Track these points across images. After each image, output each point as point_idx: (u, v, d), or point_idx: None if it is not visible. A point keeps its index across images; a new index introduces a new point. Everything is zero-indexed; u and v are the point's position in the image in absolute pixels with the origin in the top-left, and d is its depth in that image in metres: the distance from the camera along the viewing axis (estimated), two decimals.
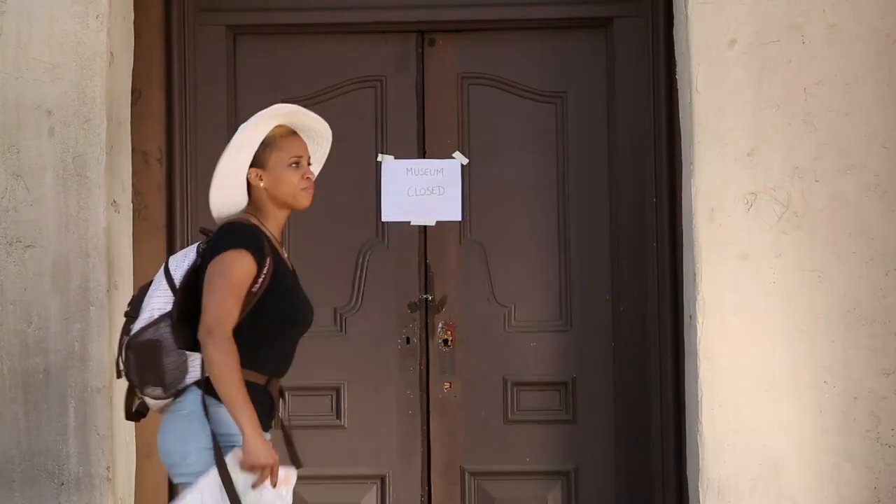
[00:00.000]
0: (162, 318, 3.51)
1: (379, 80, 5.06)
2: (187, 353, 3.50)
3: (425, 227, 5.03)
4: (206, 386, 3.46)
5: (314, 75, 5.06)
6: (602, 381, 4.98)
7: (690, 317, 4.60)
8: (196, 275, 3.53)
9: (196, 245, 3.62)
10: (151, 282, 3.62)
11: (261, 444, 3.37)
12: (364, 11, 5.01)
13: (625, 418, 4.95)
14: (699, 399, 4.48)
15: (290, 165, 3.63)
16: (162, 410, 3.58)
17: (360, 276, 5.02)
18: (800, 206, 4.50)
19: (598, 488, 4.97)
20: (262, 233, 3.57)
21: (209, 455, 3.41)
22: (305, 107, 5.01)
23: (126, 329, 3.58)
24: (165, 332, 3.50)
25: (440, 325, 5.00)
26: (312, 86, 5.06)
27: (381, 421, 4.98)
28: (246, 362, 3.47)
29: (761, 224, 4.50)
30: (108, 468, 4.52)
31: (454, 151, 5.04)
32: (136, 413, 3.65)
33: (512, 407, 4.99)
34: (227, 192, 3.61)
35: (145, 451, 4.80)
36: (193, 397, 3.48)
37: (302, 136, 3.72)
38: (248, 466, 3.37)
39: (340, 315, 5.01)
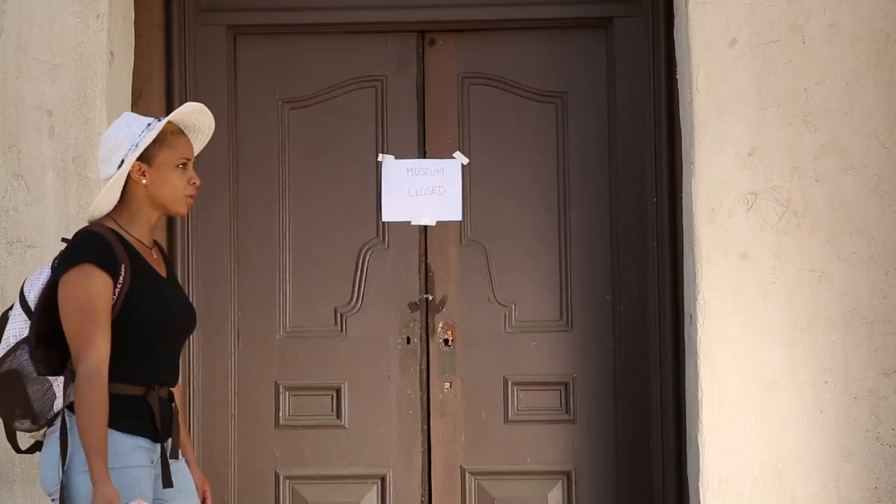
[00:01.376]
0: (19, 345, 3.33)
1: (379, 80, 5.06)
2: (51, 378, 3.33)
3: (426, 226, 5.03)
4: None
5: (314, 75, 5.06)
6: (602, 381, 4.98)
7: (690, 316, 4.60)
8: (51, 292, 3.35)
9: (51, 260, 3.44)
10: (11, 307, 3.45)
11: (105, 495, 3.21)
12: (364, 11, 5.01)
13: (625, 418, 4.95)
14: (699, 399, 4.48)
15: (178, 166, 3.49)
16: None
17: (361, 276, 5.02)
18: (800, 205, 4.50)
19: (599, 488, 4.97)
20: (109, 240, 3.37)
21: (88, 478, 3.25)
22: (307, 106, 5.11)
23: None
24: (24, 359, 3.33)
25: (440, 324, 5.00)
26: (313, 86, 5.06)
27: (381, 421, 4.99)
28: (117, 376, 3.32)
29: (762, 224, 4.50)
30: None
31: (455, 151, 5.04)
32: (31, 447, 3.46)
33: (512, 407, 4.99)
34: (110, 193, 3.44)
35: None
36: (66, 420, 3.31)
37: (188, 134, 3.57)
38: None
39: (341, 315, 5.01)
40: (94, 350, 3.28)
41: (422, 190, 5.03)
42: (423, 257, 5.04)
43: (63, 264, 3.35)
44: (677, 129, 4.76)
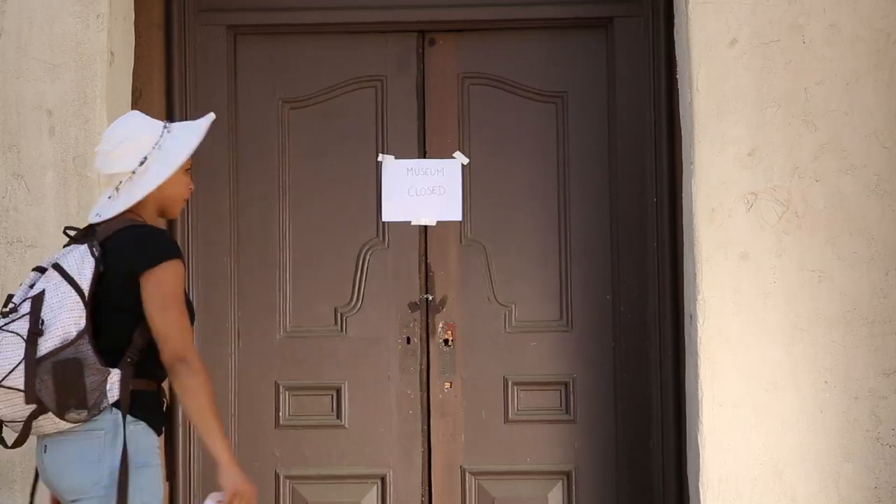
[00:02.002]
0: (80, 334, 3.31)
1: (379, 80, 5.06)
2: (109, 370, 3.33)
3: (426, 226, 5.03)
4: (122, 403, 3.34)
5: (314, 75, 5.06)
6: (602, 381, 4.98)
7: (691, 317, 4.60)
8: (100, 283, 3.36)
9: (87, 248, 3.40)
10: (42, 293, 3.34)
11: (240, 473, 3.32)
12: (364, 11, 5.01)
13: (625, 418, 4.95)
14: (699, 399, 4.48)
15: (187, 170, 3.60)
16: (48, 434, 3.39)
17: (361, 276, 5.02)
18: (800, 205, 4.50)
19: (599, 488, 4.97)
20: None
21: (151, 472, 3.33)
22: (307, 106, 5.11)
23: (31, 349, 3.29)
24: (86, 349, 3.30)
25: (441, 324, 5.00)
26: (313, 86, 5.06)
27: (381, 421, 4.99)
28: (144, 372, 3.38)
29: (762, 224, 4.50)
30: None
31: (455, 151, 5.04)
32: (15, 442, 3.41)
33: (512, 407, 4.99)
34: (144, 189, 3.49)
35: None
36: (112, 416, 3.34)
37: None
38: (230, 496, 3.30)
39: (341, 315, 5.01)
40: (183, 331, 3.37)
41: (422, 190, 5.03)
42: (423, 257, 5.04)
43: (156, 257, 3.38)
44: (677, 129, 4.76)
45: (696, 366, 4.51)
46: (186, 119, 4.96)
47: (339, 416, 5.00)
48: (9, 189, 4.55)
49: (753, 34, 4.52)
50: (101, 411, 3.34)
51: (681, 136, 4.70)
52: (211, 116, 3.63)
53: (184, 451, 4.93)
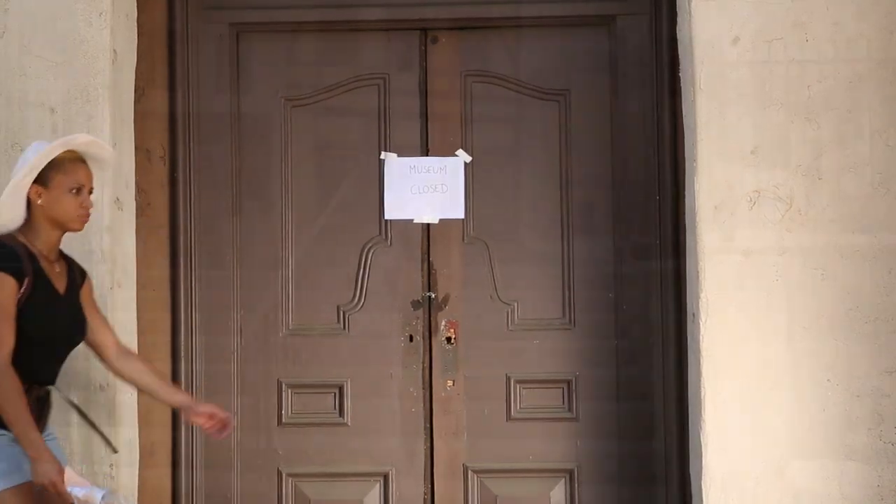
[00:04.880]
0: None
1: (382, 78, 5.06)
2: None
3: (428, 224, 5.03)
4: None
5: (317, 73, 5.06)
6: (605, 379, 4.98)
7: (693, 314, 4.60)
8: None
9: None
10: None
11: (41, 465, 3.61)
12: (367, 9, 5.01)
13: (628, 416, 4.95)
14: (702, 397, 4.48)
15: (71, 191, 3.81)
16: None
17: (364, 274, 5.02)
18: (803, 203, 4.50)
19: (601, 486, 4.97)
20: (21, 252, 3.72)
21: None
22: (309, 104, 5.12)
23: None
24: None
25: (443, 322, 5.00)
26: (315, 83, 5.06)
27: (384, 418, 4.99)
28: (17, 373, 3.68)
29: (764, 222, 4.50)
30: (111, 466, 4.52)
31: (457, 149, 5.04)
32: None
33: (515, 404, 5.00)
34: (9, 208, 3.78)
35: (148, 450, 4.81)
36: None
37: (89, 163, 3.88)
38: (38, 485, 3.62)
39: (344, 313, 5.01)
40: (4, 345, 3.65)
41: (424, 188, 5.03)
42: (426, 255, 5.04)
43: None
44: (680, 127, 4.76)
45: (698, 363, 4.51)
46: (190, 115, 4.97)
47: (341, 413, 5.00)
48: None
49: (756, 32, 4.52)
50: None
51: (683, 134, 4.70)
52: (69, 137, 3.91)
53: (185, 448, 4.94)
